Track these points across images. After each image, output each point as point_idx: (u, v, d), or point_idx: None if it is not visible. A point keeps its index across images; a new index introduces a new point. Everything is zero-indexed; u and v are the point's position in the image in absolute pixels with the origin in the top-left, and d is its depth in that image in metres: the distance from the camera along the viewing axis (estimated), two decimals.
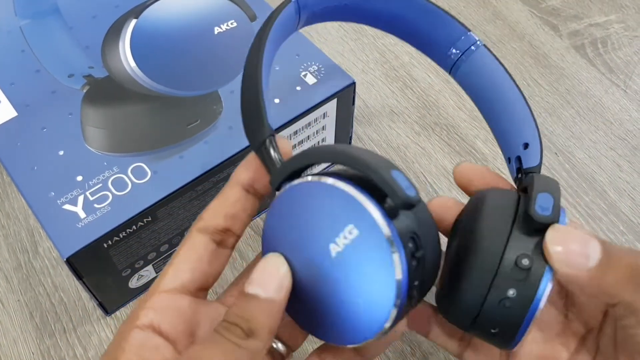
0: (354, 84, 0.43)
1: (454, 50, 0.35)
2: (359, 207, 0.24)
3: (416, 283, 0.25)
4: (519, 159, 0.32)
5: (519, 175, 0.32)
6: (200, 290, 0.29)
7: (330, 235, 0.25)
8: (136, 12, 0.45)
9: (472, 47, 0.35)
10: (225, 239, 0.29)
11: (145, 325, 0.26)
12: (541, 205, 0.26)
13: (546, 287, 0.25)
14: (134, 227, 0.37)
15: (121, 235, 0.37)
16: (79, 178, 0.38)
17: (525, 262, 0.25)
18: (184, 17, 0.45)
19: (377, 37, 0.57)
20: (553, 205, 0.26)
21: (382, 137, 0.50)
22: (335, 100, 0.42)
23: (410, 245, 0.25)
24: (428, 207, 0.27)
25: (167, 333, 0.26)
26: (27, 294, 0.43)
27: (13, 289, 0.43)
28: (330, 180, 0.25)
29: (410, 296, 0.25)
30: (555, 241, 0.25)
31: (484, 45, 0.35)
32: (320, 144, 0.45)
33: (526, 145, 0.32)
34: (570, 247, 0.25)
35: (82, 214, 0.36)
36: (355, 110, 0.50)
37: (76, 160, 0.38)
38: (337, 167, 0.27)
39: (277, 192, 0.27)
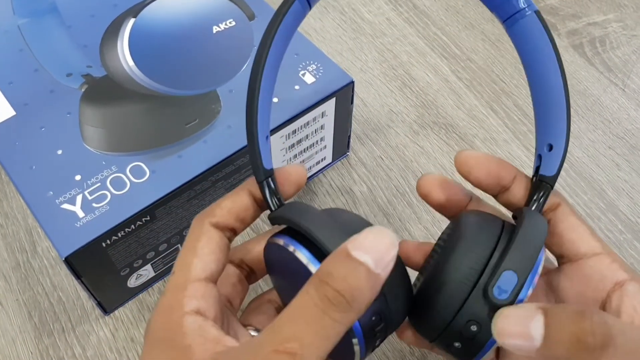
0: (352, 83, 0.43)
1: (509, 5, 0.30)
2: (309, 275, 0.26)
3: (377, 343, 0.28)
4: (540, 158, 0.31)
5: (534, 179, 0.31)
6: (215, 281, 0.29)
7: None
8: (134, 11, 0.45)
9: (526, 11, 0.30)
10: (230, 238, 0.30)
11: (194, 311, 0.26)
12: (501, 286, 0.26)
13: (491, 347, 0.27)
14: (133, 226, 0.37)
15: (120, 235, 0.37)
16: (78, 177, 0.38)
17: (473, 328, 0.27)
18: (183, 16, 0.45)
19: (375, 36, 0.57)
20: (513, 289, 0.26)
21: (380, 136, 0.50)
22: (333, 99, 0.42)
23: (373, 318, 0.26)
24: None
25: (211, 318, 0.27)
26: (25, 294, 0.43)
27: (11, 288, 0.43)
28: (301, 256, 0.26)
29: (373, 346, 0.27)
30: (501, 333, 0.25)
31: (537, 12, 0.30)
32: (319, 143, 0.45)
33: (550, 147, 0.30)
34: (514, 339, 0.24)
35: (81, 213, 0.36)
36: (354, 109, 0.50)
37: (75, 160, 0.38)
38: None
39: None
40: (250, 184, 0.30)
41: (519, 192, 0.31)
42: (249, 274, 0.32)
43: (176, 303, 0.27)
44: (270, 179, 0.29)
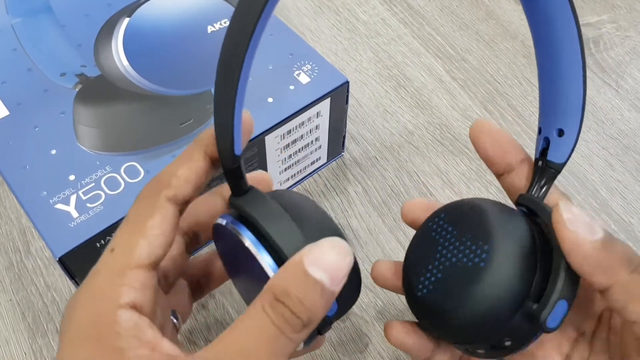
0: (347, 83, 0.43)
1: None
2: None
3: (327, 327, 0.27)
4: (547, 141, 0.29)
5: (540, 163, 0.29)
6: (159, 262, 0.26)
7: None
8: (129, 10, 0.44)
9: None
10: (182, 211, 0.26)
11: (129, 305, 0.23)
12: (554, 316, 0.26)
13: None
14: None
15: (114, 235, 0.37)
16: (72, 177, 0.37)
17: (507, 343, 0.27)
18: (177, 15, 0.45)
19: (370, 36, 0.57)
20: (563, 317, 0.26)
21: (375, 136, 0.50)
22: (328, 99, 0.42)
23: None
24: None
25: (147, 314, 0.24)
26: (19, 294, 0.43)
27: (5, 288, 0.43)
28: (247, 241, 0.25)
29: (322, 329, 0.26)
30: (566, 210, 0.25)
31: None
32: (314, 143, 0.45)
33: (561, 132, 0.28)
34: (579, 217, 0.25)
35: (75, 214, 0.36)
36: (349, 109, 0.50)
37: (69, 160, 0.38)
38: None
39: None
40: (203, 140, 0.26)
41: (523, 176, 0.30)
42: (192, 241, 0.29)
43: (111, 291, 0.23)
44: (239, 166, 0.26)
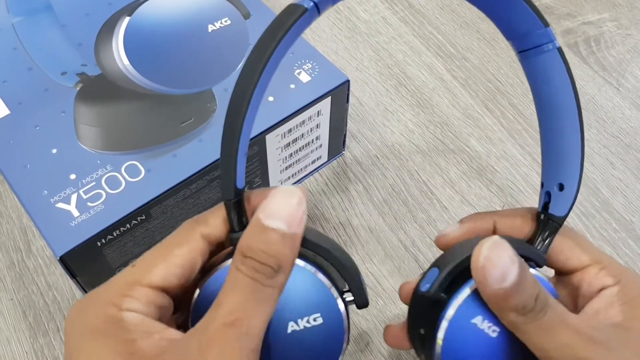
0: (348, 82, 0.43)
1: (527, 39, 0.28)
2: (332, 303, 0.27)
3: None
4: (548, 195, 0.30)
5: (541, 217, 0.30)
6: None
7: (293, 315, 0.27)
8: (129, 9, 0.44)
9: (548, 46, 0.28)
10: (215, 251, 0.28)
11: (134, 310, 0.25)
12: (425, 280, 0.29)
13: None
14: (128, 225, 0.37)
15: (115, 234, 0.37)
16: (73, 176, 0.37)
17: (421, 331, 0.30)
18: (178, 14, 0.45)
19: (370, 35, 0.57)
20: (434, 280, 0.28)
21: (376, 135, 0.50)
22: (329, 98, 0.42)
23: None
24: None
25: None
26: (20, 293, 0.43)
27: (6, 287, 0.43)
28: (305, 266, 0.27)
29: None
30: (480, 255, 0.26)
31: (559, 49, 0.28)
32: (315, 142, 0.45)
33: (561, 187, 0.30)
34: (495, 261, 0.26)
35: (76, 213, 0.36)
36: (350, 108, 0.50)
37: (69, 159, 0.38)
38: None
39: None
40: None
41: (508, 228, 0.31)
42: (213, 253, 0.28)
43: (117, 299, 0.25)
44: (240, 200, 0.27)
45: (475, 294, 0.27)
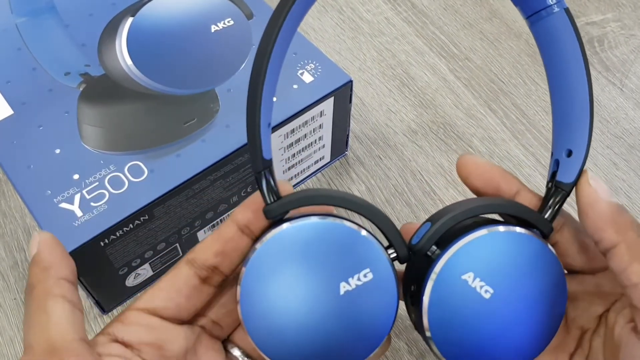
0: (351, 82, 0.43)
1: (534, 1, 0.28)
2: (379, 255, 0.27)
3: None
4: (557, 163, 0.29)
5: (550, 185, 0.29)
6: (175, 320, 0.29)
7: (342, 275, 0.27)
8: (133, 10, 0.44)
9: (554, 8, 0.28)
10: (211, 277, 0.29)
11: (107, 334, 0.27)
12: (417, 234, 0.28)
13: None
14: (131, 225, 0.37)
15: (118, 234, 0.37)
16: (76, 176, 0.38)
17: (412, 288, 0.29)
18: (181, 15, 0.45)
19: (374, 35, 0.57)
20: (424, 234, 0.28)
21: (379, 135, 0.50)
22: (332, 98, 0.42)
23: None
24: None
25: (129, 342, 0.27)
26: (23, 293, 0.43)
27: (9, 287, 0.43)
28: (351, 225, 0.27)
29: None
30: (591, 176, 0.28)
31: (567, 10, 0.28)
32: (318, 142, 0.45)
33: (569, 153, 0.29)
34: (601, 182, 0.28)
35: (79, 213, 0.36)
36: (353, 108, 0.50)
37: (73, 159, 0.38)
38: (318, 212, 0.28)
39: (273, 226, 0.28)
40: (236, 213, 0.28)
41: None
42: (209, 277, 0.29)
43: (109, 327, 0.28)
44: (268, 170, 0.27)
45: (468, 247, 0.27)
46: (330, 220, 0.27)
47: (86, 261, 0.36)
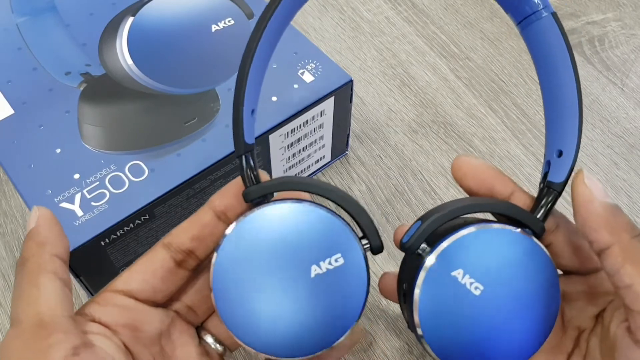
0: (351, 81, 0.43)
1: (523, 7, 0.29)
2: (351, 242, 0.28)
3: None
4: (548, 164, 0.30)
5: (542, 186, 0.29)
6: (150, 302, 0.29)
7: (314, 258, 0.27)
8: (133, 9, 0.45)
9: (542, 12, 0.29)
10: (186, 261, 0.29)
11: (85, 314, 0.28)
12: (408, 233, 0.29)
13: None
14: (132, 225, 0.37)
15: (118, 234, 0.37)
16: (76, 176, 0.38)
17: (404, 286, 0.30)
18: (181, 14, 0.45)
19: (374, 35, 0.57)
20: (414, 232, 0.28)
21: (379, 135, 0.50)
22: (332, 98, 0.42)
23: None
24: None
25: (105, 323, 0.28)
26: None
27: (10, 286, 0.43)
28: (325, 211, 0.28)
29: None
30: (587, 176, 0.28)
31: (554, 14, 0.29)
32: (318, 142, 0.45)
33: (560, 153, 0.29)
34: (596, 182, 0.27)
35: (79, 212, 0.36)
36: (353, 108, 0.50)
37: (73, 158, 0.38)
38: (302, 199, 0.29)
39: (250, 209, 0.28)
40: (213, 199, 0.29)
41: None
42: (184, 260, 0.30)
43: (85, 306, 0.28)
44: (250, 154, 0.28)
45: (458, 244, 0.27)
46: (303, 205, 0.27)
47: (87, 261, 0.36)
